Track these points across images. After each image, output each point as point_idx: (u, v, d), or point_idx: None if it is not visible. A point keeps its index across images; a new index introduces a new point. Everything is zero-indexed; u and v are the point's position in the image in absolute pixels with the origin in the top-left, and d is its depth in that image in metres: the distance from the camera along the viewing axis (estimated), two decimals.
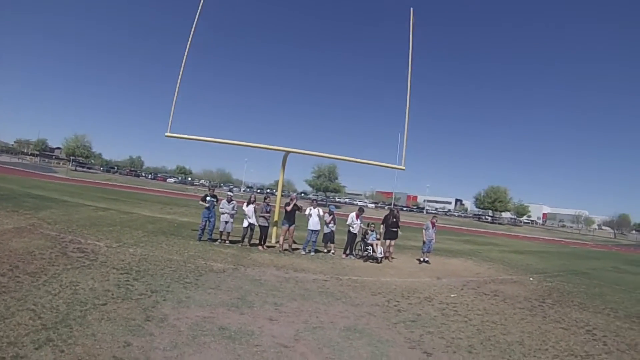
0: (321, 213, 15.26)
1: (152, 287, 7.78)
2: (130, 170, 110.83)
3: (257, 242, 14.80)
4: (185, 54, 15.59)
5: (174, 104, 15.28)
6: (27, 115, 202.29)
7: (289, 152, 16.29)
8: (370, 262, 14.66)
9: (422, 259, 15.88)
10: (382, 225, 16.15)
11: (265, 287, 8.97)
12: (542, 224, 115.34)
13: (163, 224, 18.39)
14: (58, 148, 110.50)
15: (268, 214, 14.75)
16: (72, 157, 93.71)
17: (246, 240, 14.67)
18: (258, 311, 7.23)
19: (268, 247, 14.83)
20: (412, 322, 7.57)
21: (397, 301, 9.11)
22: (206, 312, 6.81)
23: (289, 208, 14.58)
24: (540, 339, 7.32)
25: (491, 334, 7.29)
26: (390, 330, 7.00)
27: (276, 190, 15.37)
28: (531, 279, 14.44)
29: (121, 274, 8.44)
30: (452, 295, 10.28)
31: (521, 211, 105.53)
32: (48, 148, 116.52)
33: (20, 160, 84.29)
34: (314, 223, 14.95)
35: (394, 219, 16.04)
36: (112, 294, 6.99)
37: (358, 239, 15.72)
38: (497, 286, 12.27)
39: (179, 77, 15.52)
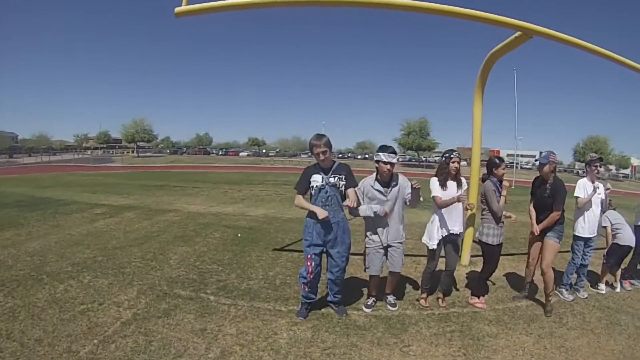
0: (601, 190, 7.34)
1: None
2: (199, 149, 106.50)
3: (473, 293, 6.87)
4: None
5: None
6: (85, 110, 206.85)
7: (532, 32, 6.83)
8: None
9: None
10: None
11: None
12: (637, 179, 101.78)
13: (213, 237, 10.22)
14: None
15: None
16: (135, 144, 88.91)
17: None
18: None
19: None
20: None
21: None
22: None
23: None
24: None
25: None
26: None
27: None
28: None
29: None
30: None
31: (623, 164, 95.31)
32: (111, 140, 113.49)
33: (80, 156, 79.21)
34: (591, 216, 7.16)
35: None
36: None
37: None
38: None
39: None
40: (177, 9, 6.57)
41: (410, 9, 6.14)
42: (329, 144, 5.34)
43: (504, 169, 6.35)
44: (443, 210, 6.06)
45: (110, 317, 5.13)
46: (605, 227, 7.67)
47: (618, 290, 7.67)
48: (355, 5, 6.23)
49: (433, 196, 6.08)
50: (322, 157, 5.29)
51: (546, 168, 6.40)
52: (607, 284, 7.75)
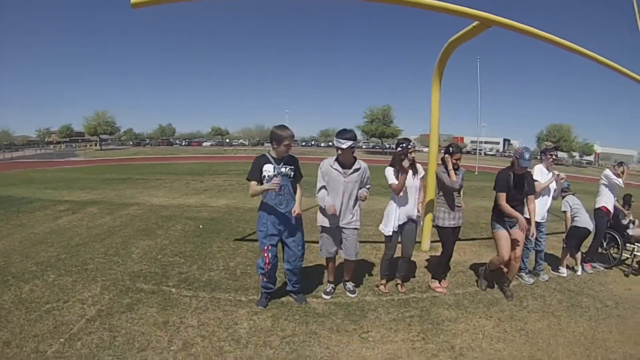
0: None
1: None
2: (162, 140, 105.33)
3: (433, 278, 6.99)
4: None
5: None
6: (47, 104, 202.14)
7: (490, 22, 6.85)
8: (632, 270, 8.15)
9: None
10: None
11: None
12: (599, 165, 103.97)
13: (175, 229, 10.19)
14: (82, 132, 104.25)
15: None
16: (98, 137, 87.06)
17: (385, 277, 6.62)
18: None
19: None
20: None
21: None
22: None
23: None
24: None
25: None
26: None
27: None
28: None
29: None
30: None
31: (587, 151, 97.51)
32: (74, 133, 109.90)
33: (43, 151, 77.24)
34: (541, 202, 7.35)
35: None
36: None
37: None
38: None
39: None
40: (133, 0, 6.33)
41: None
42: (293, 135, 5.45)
43: (457, 158, 6.38)
44: (399, 197, 6.05)
45: (75, 314, 5.13)
46: (565, 212, 7.97)
47: (579, 273, 7.86)
48: None
49: (390, 183, 6.03)
50: (290, 148, 5.40)
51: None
52: (568, 267, 7.95)
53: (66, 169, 35.20)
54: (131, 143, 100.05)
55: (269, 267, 5.39)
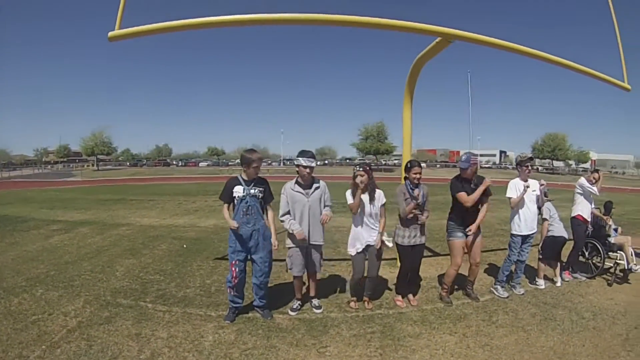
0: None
1: None
2: (159, 160, 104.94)
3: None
4: None
5: None
6: (45, 124, 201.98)
7: (451, 36, 6.84)
8: (615, 279, 7.89)
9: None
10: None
11: None
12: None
13: (160, 249, 10.42)
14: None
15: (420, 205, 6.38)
16: (95, 157, 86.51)
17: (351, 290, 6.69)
18: None
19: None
20: None
21: None
22: None
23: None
24: None
25: None
26: None
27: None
28: None
29: None
30: None
31: (582, 158, 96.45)
32: (72, 153, 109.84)
33: (40, 171, 77.08)
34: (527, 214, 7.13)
35: None
36: None
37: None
38: None
39: None
40: (110, 34, 6.31)
41: (332, 23, 6.31)
42: (261, 159, 5.79)
43: (415, 172, 6.25)
44: (360, 220, 6.10)
45: (58, 325, 5.46)
46: (545, 220, 7.70)
47: (559, 284, 7.64)
48: (281, 23, 6.28)
49: (350, 203, 6.07)
50: (258, 170, 5.70)
51: (469, 171, 6.42)
52: (547, 278, 7.75)
53: (63, 189, 35.19)
54: (128, 164, 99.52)
55: (236, 281, 5.66)
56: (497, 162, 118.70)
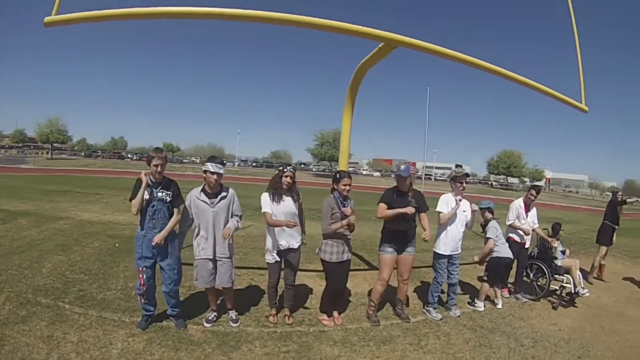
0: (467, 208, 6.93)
1: None
2: (114, 153, 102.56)
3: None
4: None
5: None
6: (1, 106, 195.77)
7: (395, 42, 6.67)
8: (560, 302, 7.73)
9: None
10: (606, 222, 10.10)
11: None
12: (550, 190, 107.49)
13: (92, 246, 10.13)
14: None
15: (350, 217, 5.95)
16: (50, 144, 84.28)
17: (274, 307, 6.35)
18: None
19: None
20: None
21: None
22: None
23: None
24: None
25: None
26: None
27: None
28: None
29: None
30: None
31: (537, 176, 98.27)
32: (27, 139, 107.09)
33: None
34: (454, 233, 6.78)
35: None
36: None
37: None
38: None
39: None
40: (46, 19, 6.06)
41: (276, 21, 6.02)
42: (165, 159, 5.42)
43: (344, 184, 5.86)
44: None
45: None
46: (489, 239, 7.28)
47: (499, 306, 7.31)
48: (223, 18, 6.04)
49: (263, 212, 5.83)
50: (159, 169, 5.31)
51: (408, 181, 6.14)
52: (488, 299, 7.45)
53: (12, 175, 34.28)
54: (83, 154, 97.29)
55: (144, 289, 5.41)
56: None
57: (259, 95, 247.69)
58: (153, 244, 5.29)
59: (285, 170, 5.95)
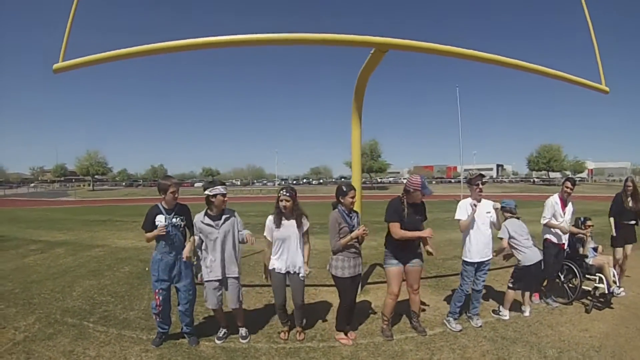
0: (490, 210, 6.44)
1: None
2: (154, 181, 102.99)
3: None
4: None
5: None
6: (42, 143, 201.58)
7: (385, 46, 6.48)
8: (594, 305, 6.97)
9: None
10: (611, 219, 8.16)
11: None
12: (594, 181, 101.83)
13: (122, 271, 10.57)
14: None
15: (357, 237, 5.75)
16: (91, 177, 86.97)
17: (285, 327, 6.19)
18: None
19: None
20: None
21: None
22: None
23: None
24: None
25: None
26: None
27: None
28: None
29: None
30: None
31: (578, 169, 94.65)
32: (68, 172, 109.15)
33: (35, 190, 77.57)
34: (480, 238, 6.31)
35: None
36: None
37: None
38: None
39: None
40: (55, 66, 6.20)
41: (274, 42, 6.02)
42: (178, 184, 5.71)
43: (352, 197, 5.63)
44: (282, 244, 5.76)
45: (7, 338, 5.90)
46: (501, 239, 6.66)
47: (527, 314, 6.73)
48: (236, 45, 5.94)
49: (264, 235, 5.84)
50: (176, 195, 5.64)
51: (422, 195, 5.79)
52: (514, 306, 6.83)
53: (54, 208, 35.51)
54: (124, 184, 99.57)
55: (160, 309, 5.65)
56: (494, 175, 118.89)
57: (294, 112, 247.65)
58: (184, 258, 5.62)
59: (280, 195, 5.79)
